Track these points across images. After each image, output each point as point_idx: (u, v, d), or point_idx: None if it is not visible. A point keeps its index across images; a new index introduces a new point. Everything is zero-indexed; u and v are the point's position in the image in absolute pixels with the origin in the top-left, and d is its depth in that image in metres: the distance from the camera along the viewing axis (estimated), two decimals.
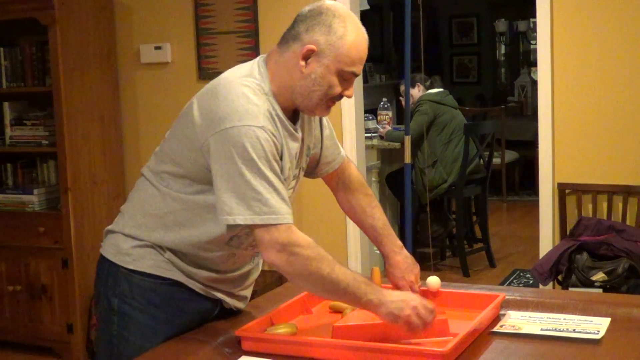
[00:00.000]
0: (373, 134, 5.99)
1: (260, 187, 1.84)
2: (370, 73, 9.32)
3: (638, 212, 3.91)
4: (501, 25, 11.01)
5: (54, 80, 4.37)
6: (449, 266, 5.97)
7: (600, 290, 3.61)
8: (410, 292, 2.06)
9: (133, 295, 2.02)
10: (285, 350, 1.91)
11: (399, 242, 2.25)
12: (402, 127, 5.13)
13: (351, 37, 1.91)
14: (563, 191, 4.05)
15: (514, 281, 5.49)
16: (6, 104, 4.63)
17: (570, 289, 3.70)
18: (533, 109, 8.93)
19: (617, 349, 1.89)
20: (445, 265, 6.00)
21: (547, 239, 4.11)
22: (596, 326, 1.99)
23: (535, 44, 4.66)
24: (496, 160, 7.44)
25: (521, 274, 5.63)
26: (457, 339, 1.84)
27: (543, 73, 4.04)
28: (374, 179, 5.64)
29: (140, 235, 2.03)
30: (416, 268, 2.21)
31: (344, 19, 1.92)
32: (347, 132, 4.44)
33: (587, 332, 1.95)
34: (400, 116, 8.34)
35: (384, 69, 9.96)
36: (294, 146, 2.00)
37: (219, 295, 2.11)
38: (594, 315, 2.07)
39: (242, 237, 2.01)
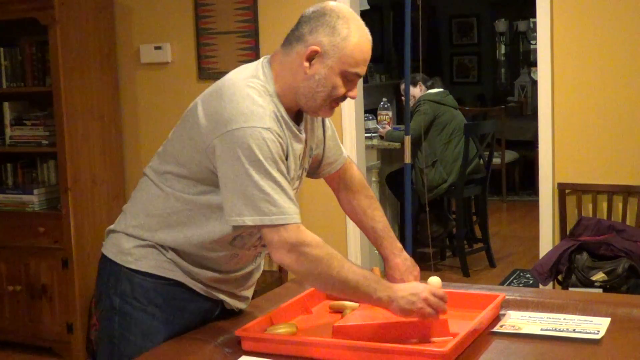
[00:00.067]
0: (373, 134, 5.99)
1: (268, 188, 1.84)
2: (370, 73, 9.31)
3: (638, 212, 3.92)
4: (501, 25, 11.02)
5: (54, 80, 4.37)
6: (449, 266, 5.97)
7: (600, 290, 3.61)
8: (418, 283, 2.06)
9: (134, 295, 2.02)
10: (285, 350, 1.91)
11: (399, 245, 2.25)
12: (402, 127, 5.13)
13: (355, 38, 1.92)
14: (563, 191, 4.05)
15: (514, 281, 5.49)
16: (6, 104, 4.63)
17: (570, 289, 3.70)
18: (533, 109, 8.93)
19: (617, 349, 1.89)
20: (445, 265, 6.00)
21: (547, 239, 4.11)
22: (596, 326, 1.99)
23: (535, 44, 4.66)
24: (496, 160, 7.44)
25: (521, 274, 5.63)
26: (457, 339, 1.84)
27: (543, 73, 4.04)
28: (374, 179, 5.64)
29: (142, 235, 2.04)
30: (415, 270, 2.22)
31: (348, 20, 1.93)
32: (347, 132, 4.44)
33: (587, 332, 1.95)
34: (401, 116, 8.34)
35: (384, 69, 9.96)
36: (298, 147, 2.01)
37: (221, 296, 2.12)
38: (594, 315, 2.07)
39: (245, 238, 2.01)
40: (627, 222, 3.94)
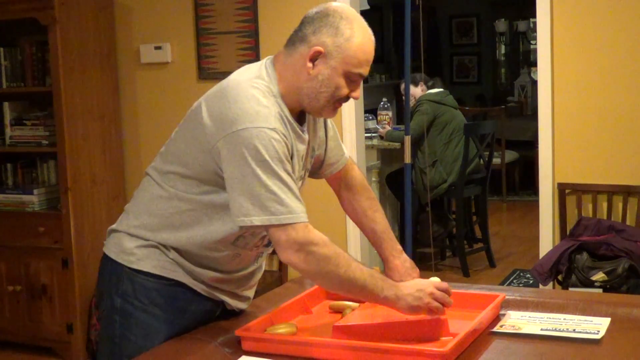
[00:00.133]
0: (373, 134, 5.99)
1: (275, 188, 1.85)
2: (370, 73, 9.30)
3: (638, 212, 3.92)
4: (501, 25, 11.02)
5: (54, 80, 4.37)
6: (449, 266, 5.97)
7: (600, 290, 3.61)
8: (421, 279, 2.07)
9: (136, 295, 2.03)
10: (285, 350, 1.91)
11: (399, 247, 2.26)
12: (402, 127, 5.13)
13: (358, 38, 1.93)
14: (563, 191, 4.05)
15: (514, 281, 5.49)
16: (6, 104, 4.63)
17: (570, 289, 3.70)
18: (533, 109, 8.93)
19: (617, 349, 1.89)
20: (445, 265, 6.00)
21: (547, 239, 4.11)
22: (596, 326, 1.99)
23: (535, 44, 4.66)
24: (496, 160, 7.44)
25: (521, 274, 5.63)
26: (457, 339, 1.84)
27: (543, 73, 4.04)
28: (374, 179, 5.64)
29: (145, 235, 2.04)
30: (415, 272, 2.22)
31: (351, 21, 1.94)
32: (347, 132, 4.44)
33: (587, 332, 1.95)
34: (401, 116, 8.34)
35: (384, 69, 9.96)
36: (302, 148, 2.02)
37: (222, 297, 2.12)
38: (594, 315, 2.07)
39: (247, 238, 2.02)
40: (627, 222, 3.94)
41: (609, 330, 1.97)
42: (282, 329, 2.00)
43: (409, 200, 4.19)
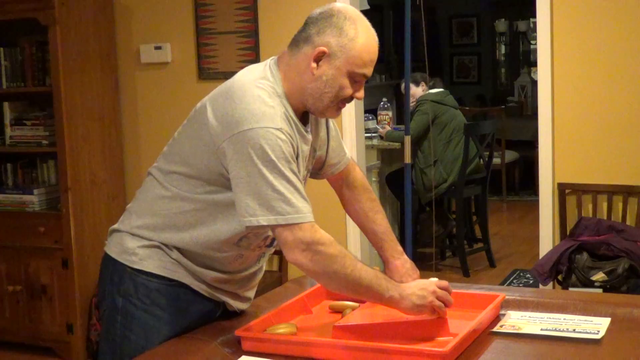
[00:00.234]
0: (373, 134, 5.99)
1: (282, 188, 1.85)
2: None
3: (638, 212, 3.91)
4: (501, 25, 11.02)
5: (54, 80, 4.37)
6: (449, 266, 5.97)
7: (600, 290, 3.61)
8: (422, 279, 2.08)
9: (138, 295, 2.03)
10: (285, 350, 1.91)
11: (399, 248, 2.26)
12: (402, 127, 5.13)
13: (362, 39, 1.93)
14: (563, 191, 4.05)
15: (514, 281, 5.49)
16: (6, 104, 4.63)
17: (570, 289, 3.70)
18: (533, 109, 8.92)
19: (617, 349, 1.89)
20: (445, 265, 6.00)
21: (547, 239, 4.11)
22: (596, 326, 1.99)
23: (535, 44, 4.66)
24: (496, 160, 7.44)
25: (521, 274, 5.63)
26: (457, 339, 1.84)
27: (543, 73, 4.04)
28: (374, 179, 5.64)
29: (148, 235, 2.04)
30: (415, 273, 2.23)
31: (355, 21, 1.94)
32: (347, 132, 4.44)
33: (587, 332, 1.95)
34: (401, 116, 8.34)
35: (384, 69, 9.96)
36: (305, 148, 2.02)
37: (223, 298, 2.12)
38: (594, 315, 2.08)
39: (250, 238, 2.02)
40: (627, 222, 3.94)
41: (609, 330, 1.97)
42: (282, 329, 2.00)
43: (409, 200, 4.19)
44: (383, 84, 9.51)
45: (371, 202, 2.29)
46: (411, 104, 5.58)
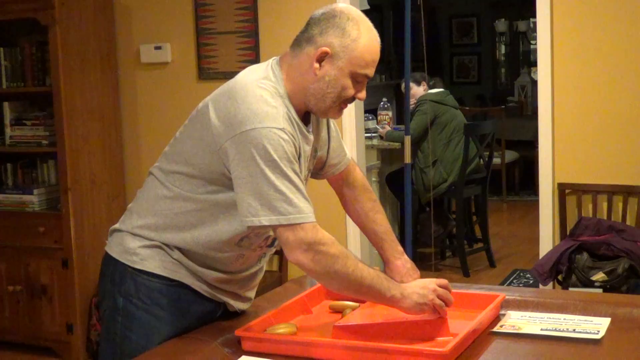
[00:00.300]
0: (373, 134, 5.99)
1: (284, 188, 1.85)
2: None
3: (638, 212, 3.92)
4: (501, 25, 11.01)
5: (54, 80, 4.37)
6: (449, 266, 5.97)
7: (600, 290, 3.61)
8: (422, 279, 2.09)
9: (139, 295, 2.03)
10: (285, 350, 1.91)
11: (400, 248, 2.26)
12: (402, 127, 5.14)
13: (364, 39, 1.94)
14: (563, 191, 4.05)
15: (514, 281, 5.49)
16: (6, 104, 4.63)
17: (570, 289, 3.70)
18: (533, 109, 8.92)
19: (617, 349, 1.89)
20: (445, 265, 6.00)
21: (547, 239, 4.11)
22: (596, 326, 1.99)
23: (535, 44, 4.66)
24: (496, 160, 7.44)
25: (521, 274, 5.63)
26: (457, 339, 1.84)
27: (543, 73, 4.04)
28: (374, 179, 5.64)
29: (149, 235, 2.04)
30: (416, 273, 2.23)
31: (357, 22, 1.95)
32: (347, 132, 4.44)
33: (587, 332, 1.95)
34: (401, 116, 8.34)
35: (384, 69, 9.96)
36: (307, 149, 2.03)
37: (224, 298, 2.12)
38: (594, 315, 2.08)
39: (252, 239, 2.02)
40: (627, 222, 3.94)
41: (609, 330, 1.97)
42: (282, 329, 2.00)
43: (409, 200, 4.19)
44: (383, 84, 9.51)
45: (372, 202, 2.29)
46: (411, 104, 5.59)
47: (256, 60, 4.48)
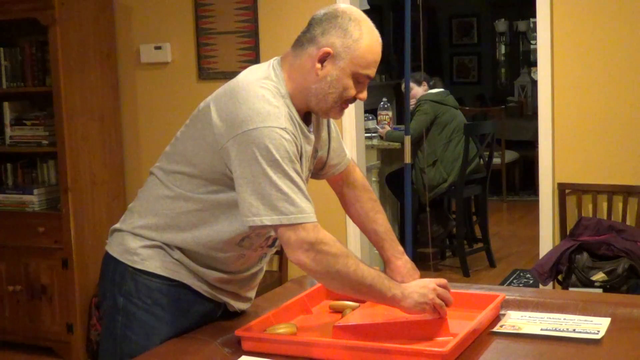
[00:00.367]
0: (373, 134, 5.99)
1: (286, 188, 1.85)
2: None
3: (638, 212, 3.92)
4: (501, 25, 11.02)
5: (54, 80, 4.37)
6: (449, 266, 5.97)
7: (600, 290, 3.61)
8: (421, 279, 2.09)
9: (139, 295, 2.03)
10: (285, 350, 1.91)
11: (401, 248, 2.27)
12: (402, 127, 5.14)
13: (366, 40, 1.94)
14: (563, 191, 4.05)
15: (514, 281, 5.49)
16: (6, 104, 4.63)
17: (570, 289, 3.70)
18: (533, 109, 8.93)
19: (617, 349, 1.89)
20: (445, 265, 6.00)
21: (547, 239, 4.11)
22: (596, 326, 1.99)
23: (535, 44, 4.66)
24: (496, 160, 7.44)
25: (521, 274, 5.63)
26: (457, 339, 1.84)
27: (543, 73, 4.04)
28: (374, 179, 5.64)
29: (150, 235, 2.04)
30: (416, 274, 2.23)
31: (359, 22, 1.95)
32: (347, 132, 4.44)
33: (587, 332, 1.95)
34: (401, 116, 8.34)
35: (384, 69, 9.96)
36: (308, 149, 2.03)
37: (224, 299, 2.12)
38: (594, 315, 2.08)
39: (253, 239, 2.02)
40: (627, 222, 3.94)
41: (609, 330, 1.97)
42: (282, 329, 2.00)
43: (409, 200, 4.19)
44: (383, 84, 9.51)
45: (372, 202, 2.30)
46: (411, 104, 5.59)
47: (256, 60, 4.49)
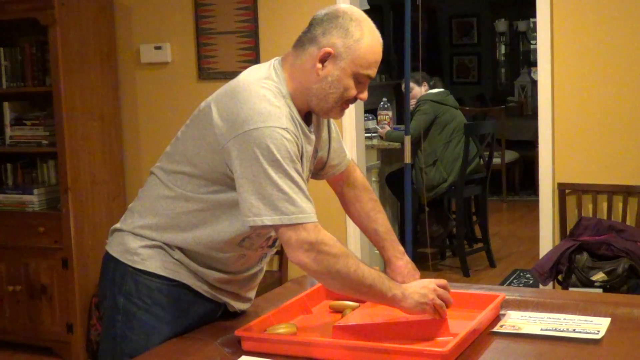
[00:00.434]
0: (373, 134, 5.99)
1: (287, 187, 1.85)
2: None
3: (638, 212, 3.92)
4: (501, 25, 11.02)
5: (54, 80, 4.37)
6: (449, 266, 5.97)
7: (600, 290, 3.61)
8: (421, 279, 2.09)
9: (139, 295, 2.03)
10: (285, 350, 1.91)
11: (401, 248, 2.27)
12: (402, 127, 5.14)
13: (367, 40, 1.94)
14: (563, 191, 4.05)
15: (514, 281, 5.49)
16: (6, 104, 4.63)
17: (570, 289, 3.70)
18: (533, 109, 8.93)
19: (617, 349, 1.89)
20: (445, 265, 6.00)
21: (547, 239, 4.11)
22: (596, 326, 1.99)
23: (535, 44, 4.66)
24: (496, 160, 7.44)
25: (521, 274, 5.63)
26: (457, 339, 1.84)
27: (543, 73, 4.04)
28: (374, 179, 5.64)
29: (150, 235, 2.04)
30: (417, 274, 2.23)
31: (360, 23, 1.95)
32: (347, 132, 4.44)
33: (587, 332, 1.95)
34: (401, 116, 8.34)
35: (384, 69, 9.96)
36: (309, 149, 2.03)
37: (225, 299, 2.12)
38: (594, 315, 2.08)
39: (253, 239, 2.02)
40: (627, 222, 3.94)
41: (609, 330, 1.97)
42: (282, 329, 2.00)
43: (409, 200, 4.19)
44: (383, 84, 9.51)
45: (372, 202, 2.30)
46: (411, 104, 5.59)
47: (256, 60, 4.48)
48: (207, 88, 2.07)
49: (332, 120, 2.21)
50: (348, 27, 1.93)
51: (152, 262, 2.03)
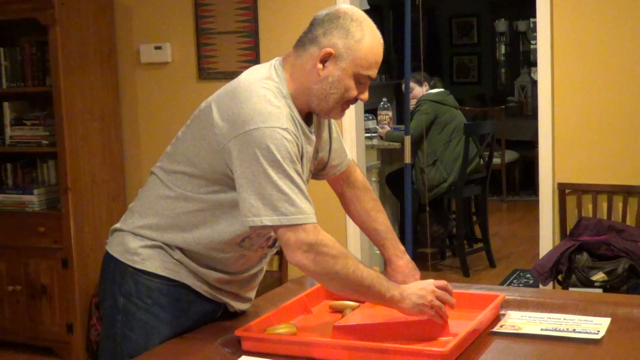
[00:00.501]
0: (373, 134, 5.99)
1: (286, 188, 1.85)
2: None
3: (638, 212, 3.92)
4: (501, 25, 11.02)
5: (54, 80, 4.37)
6: (449, 266, 5.97)
7: (600, 290, 3.61)
8: (421, 280, 2.08)
9: (139, 295, 2.03)
10: (285, 350, 1.91)
11: (402, 247, 2.27)
12: (402, 127, 5.14)
13: (368, 41, 1.94)
14: (563, 191, 4.05)
15: (514, 281, 5.49)
16: (6, 104, 4.63)
17: (570, 289, 3.70)
18: (533, 109, 8.93)
19: (617, 349, 1.89)
20: (445, 265, 6.00)
21: (547, 239, 4.11)
22: (596, 326, 1.99)
23: (535, 44, 4.66)
24: (496, 160, 7.44)
25: (521, 274, 5.63)
26: (457, 339, 1.84)
27: (543, 73, 4.04)
28: (374, 179, 5.64)
29: (150, 235, 2.04)
30: (417, 273, 2.24)
31: (361, 23, 1.95)
32: (347, 132, 4.44)
33: (587, 332, 1.95)
34: (401, 116, 8.34)
35: (384, 69, 9.96)
36: (310, 149, 2.03)
37: (225, 299, 2.12)
38: (594, 315, 2.08)
39: (253, 239, 2.02)
40: (627, 222, 3.94)
41: (609, 330, 1.97)
42: (282, 329, 2.01)
43: (409, 200, 4.19)
44: (383, 84, 9.51)
45: (373, 202, 2.30)
46: (411, 104, 5.59)
47: (256, 60, 4.49)
48: (207, 88, 2.07)
49: (332, 121, 2.21)
50: (349, 27, 1.93)
51: (152, 262, 2.03)
